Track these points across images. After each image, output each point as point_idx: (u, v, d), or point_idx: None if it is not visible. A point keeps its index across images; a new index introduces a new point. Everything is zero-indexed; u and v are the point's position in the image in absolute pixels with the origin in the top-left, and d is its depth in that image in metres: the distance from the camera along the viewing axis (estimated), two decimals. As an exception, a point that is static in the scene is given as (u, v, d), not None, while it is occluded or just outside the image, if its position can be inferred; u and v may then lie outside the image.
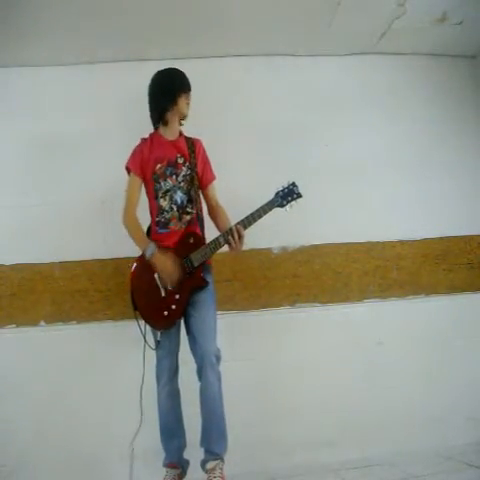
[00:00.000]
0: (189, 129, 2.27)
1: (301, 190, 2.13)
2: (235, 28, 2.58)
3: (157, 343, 2.09)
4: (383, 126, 2.84)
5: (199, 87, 2.24)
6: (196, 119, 2.26)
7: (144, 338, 2.10)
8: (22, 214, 2.56)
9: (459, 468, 2.14)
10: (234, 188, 2.54)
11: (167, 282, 2.03)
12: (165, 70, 2.23)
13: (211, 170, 2.26)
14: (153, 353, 2.11)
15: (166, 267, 2.02)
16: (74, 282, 2.53)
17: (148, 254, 2.03)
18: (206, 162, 2.25)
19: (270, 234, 2.54)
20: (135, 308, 2.08)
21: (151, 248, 2.03)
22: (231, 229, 2.04)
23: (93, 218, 2.56)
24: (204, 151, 2.25)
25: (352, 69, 2.88)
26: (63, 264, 2.53)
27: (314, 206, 2.51)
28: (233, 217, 2.12)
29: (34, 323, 2.48)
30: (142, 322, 2.09)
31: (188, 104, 2.20)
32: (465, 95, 2.93)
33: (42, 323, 2.49)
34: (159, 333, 2.09)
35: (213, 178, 2.26)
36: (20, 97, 2.67)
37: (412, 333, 2.62)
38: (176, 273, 2.02)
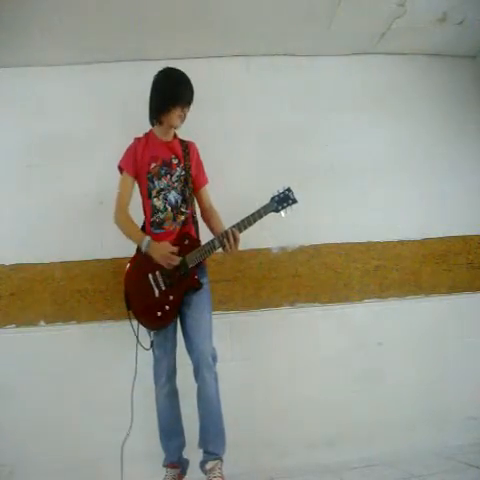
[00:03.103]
0: (188, 129, 2.26)
1: (301, 190, 2.12)
2: (235, 28, 2.59)
3: (151, 343, 2.09)
4: (383, 126, 2.84)
5: (199, 87, 2.23)
6: (196, 119, 2.25)
7: (137, 338, 2.09)
8: (22, 214, 2.57)
9: (459, 468, 2.14)
10: (233, 188, 2.56)
11: (168, 265, 2.02)
12: (173, 73, 2.15)
13: (204, 173, 2.26)
14: (147, 353, 2.10)
15: (163, 251, 2.01)
16: (74, 282, 2.53)
17: (144, 247, 2.03)
18: (200, 165, 2.24)
19: (270, 234, 2.54)
20: (128, 308, 2.08)
21: (146, 240, 2.03)
22: (226, 232, 2.03)
23: (93, 218, 2.56)
24: (198, 154, 2.25)
25: (352, 69, 2.88)
26: (63, 264, 2.54)
27: (314, 206, 2.52)
28: (232, 217, 2.11)
29: (34, 323, 2.48)
30: (135, 322, 2.09)
31: (181, 116, 2.13)
32: (465, 95, 2.93)
33: (42, 323, 2.49)
34: (152, 333, 2.09)
35: (206, 181, 2.26)
36: (20, 97, 2.67)
37: (412, 333, 2.62)
38: (174, 257, 2.01)
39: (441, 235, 2.75)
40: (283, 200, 2.08)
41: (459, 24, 2.67)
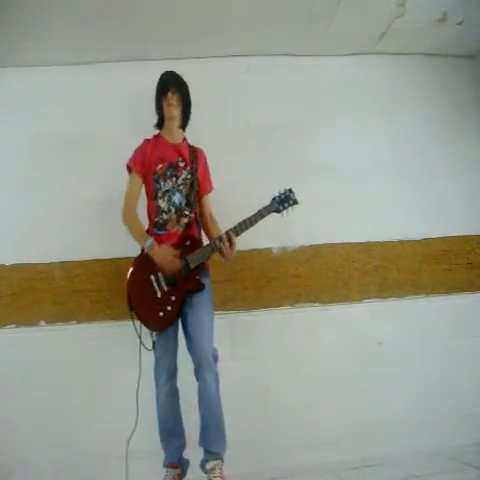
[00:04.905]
0: (189, 129, 2.27)
1: (301, 190, 2.13)
2: (235, 28, 2.58)
3: (153, 344, 2.10)
4: (383, 126, 2.84)
5: (199, 87, 2.23)
6: (196, 119, 2.25)
7: (140, 339, 2.10)
8: (22, 214, 2.56)
9: (459, 468, 2.14)
10: (233, 188, 2.55)
11: (168, 271, 2.02)
12: (160, 77, 2.22)
13: (210, 181, 2.28)
14: (150, 353, 2.10)
15: (165, 256, 2.02)
16: (74, 282, 2.53)
17: (146, 247, 2.04)
18: (206, 172, 2.27)
19: (270, 234, 2.54)
20: (131, 309, 2.09)
21: (149, 241, 2.04)
22: (221, 237, 2.05)
23: (93, 218, 2.57)
24: (205, 161, 2.27)
25: (352, 69, 2.88)
26: (63, 264, 2.54)
27: (314, 206, 2.51)
28: (232, 218, 2.11)
29: (34, 323, 2.48)
30: (138, 323, 2.09)
31: (170, 105, 2.16)
32: (465, 95, 2.94)
33: (42, 323, 2.49)
34: (154, 334, 2.09)
35: (211, 189, 2.29)
36: (20, 97, 2.67)
37: (412, 333, 2.62)
38: (175, 261, 2.02)
39: (441, 235, 2.75)
40: (284, 201, 2.11)
41: (459, 24, 2.67)
